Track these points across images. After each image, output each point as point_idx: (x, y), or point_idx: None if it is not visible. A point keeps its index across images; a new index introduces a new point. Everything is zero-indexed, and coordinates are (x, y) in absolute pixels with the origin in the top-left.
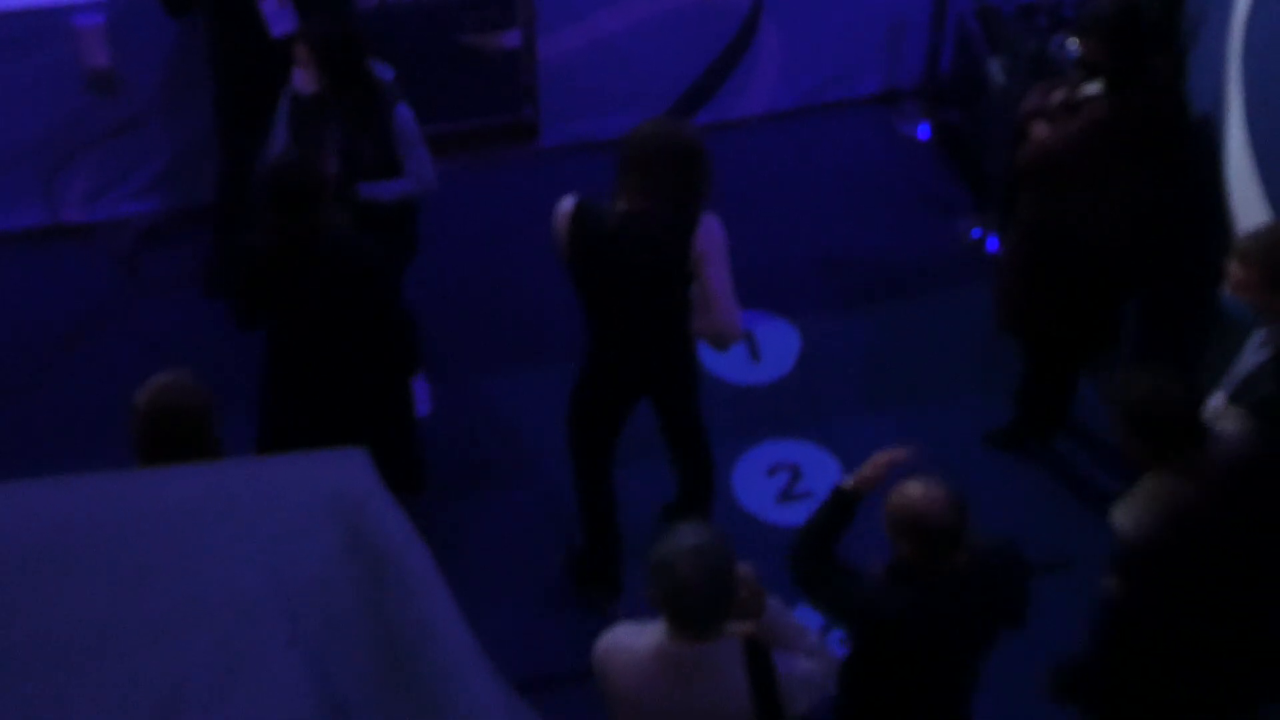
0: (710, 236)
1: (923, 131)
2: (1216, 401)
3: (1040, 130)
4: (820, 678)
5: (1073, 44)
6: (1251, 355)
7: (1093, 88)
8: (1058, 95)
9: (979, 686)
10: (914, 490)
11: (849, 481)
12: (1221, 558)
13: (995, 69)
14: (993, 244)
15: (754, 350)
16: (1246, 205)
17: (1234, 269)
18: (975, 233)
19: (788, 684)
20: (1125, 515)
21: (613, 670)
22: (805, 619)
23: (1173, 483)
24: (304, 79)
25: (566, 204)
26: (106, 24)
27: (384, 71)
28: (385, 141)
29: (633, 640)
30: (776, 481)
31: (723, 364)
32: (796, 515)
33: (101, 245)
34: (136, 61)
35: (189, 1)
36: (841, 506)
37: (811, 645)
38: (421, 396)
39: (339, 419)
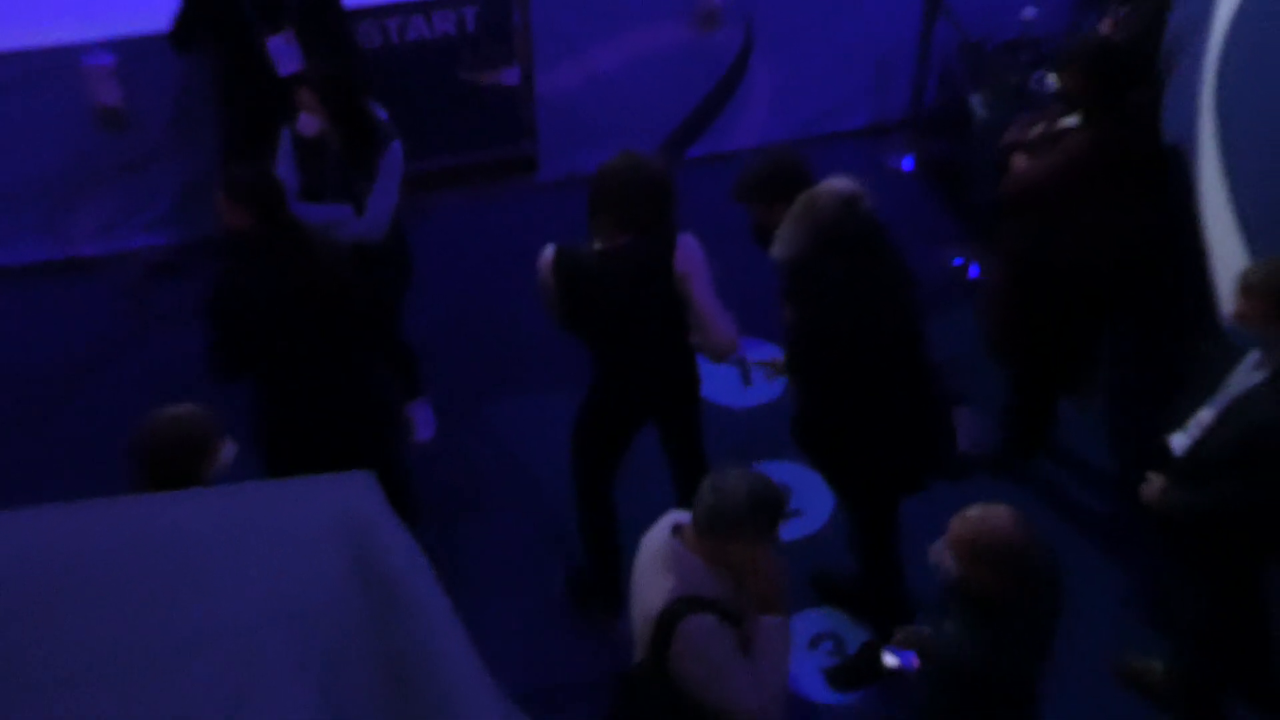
0: (689, 256)
1: (908, 164)
2: (1205, 418)
3: (1020, 162)
4: (729, 690)
5: (1052, 78)
6: (1245, 376)
7: (1071, 120)
8: (1038, 128)
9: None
10: (1002, 518)
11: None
12: None
13: (978, 103)
14: (974, 271)
15: (745, 375)
16: (1220, 233)
17: (1238, 301)
18: (957, 261)
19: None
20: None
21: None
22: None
23: None
24: (307, 122)
25: (546, 253)
26: (116, 62)
27: (379, 111)
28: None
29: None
30: None
31: (714, 389)
32: (787, 532)
33: (111, 279)
34: (146, 99)
35: (192, 39)
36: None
37: (760, 676)
38: (423, 420)
39: (333, 454)
